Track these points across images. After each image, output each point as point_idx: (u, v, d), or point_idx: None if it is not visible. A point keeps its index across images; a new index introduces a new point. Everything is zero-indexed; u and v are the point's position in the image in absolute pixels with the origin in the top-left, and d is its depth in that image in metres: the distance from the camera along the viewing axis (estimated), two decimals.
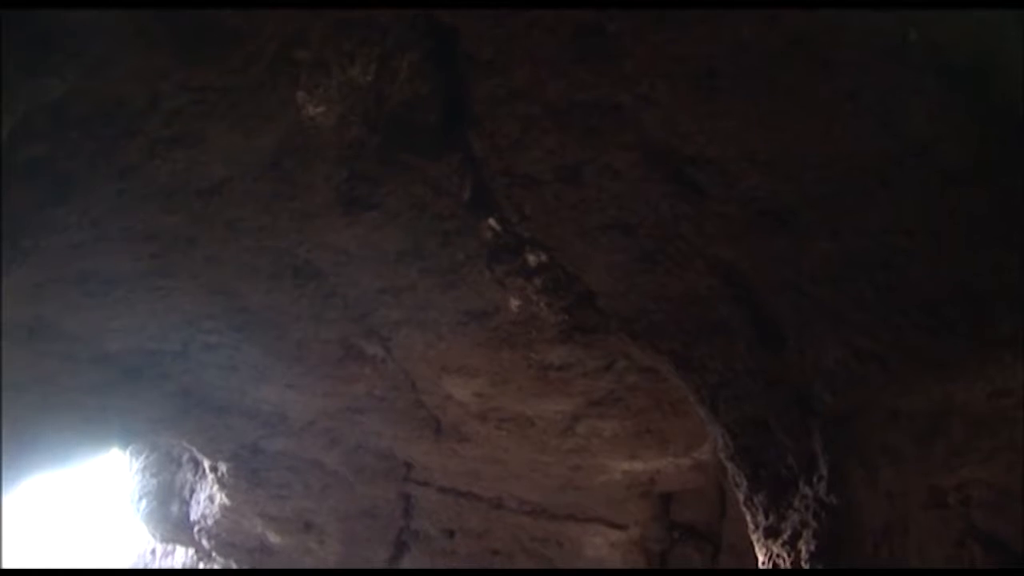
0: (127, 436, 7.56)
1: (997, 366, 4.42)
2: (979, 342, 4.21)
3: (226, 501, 8.30)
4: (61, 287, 4.63)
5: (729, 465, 4.78)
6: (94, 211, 3.80)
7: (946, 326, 4.11)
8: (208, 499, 8.54)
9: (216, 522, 8.63)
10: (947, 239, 3.72)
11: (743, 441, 4.66)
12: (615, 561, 8.52)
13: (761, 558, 4.68)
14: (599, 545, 8.52)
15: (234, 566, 9.36)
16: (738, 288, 4.28)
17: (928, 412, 4.72)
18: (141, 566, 11.00)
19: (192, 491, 8.76)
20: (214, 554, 9.16)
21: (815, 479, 4.46)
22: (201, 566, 9.85)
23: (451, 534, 8.67)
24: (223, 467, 7.88)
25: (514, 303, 4.84)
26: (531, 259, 4.40)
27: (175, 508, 8.87)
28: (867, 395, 4.44)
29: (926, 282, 3.94)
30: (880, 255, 3.86)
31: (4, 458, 6.23)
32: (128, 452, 8.81)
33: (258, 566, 9.19)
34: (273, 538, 8.71)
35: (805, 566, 4.44)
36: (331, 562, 8.98)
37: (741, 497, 4.76)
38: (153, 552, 10.88)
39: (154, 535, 9.55)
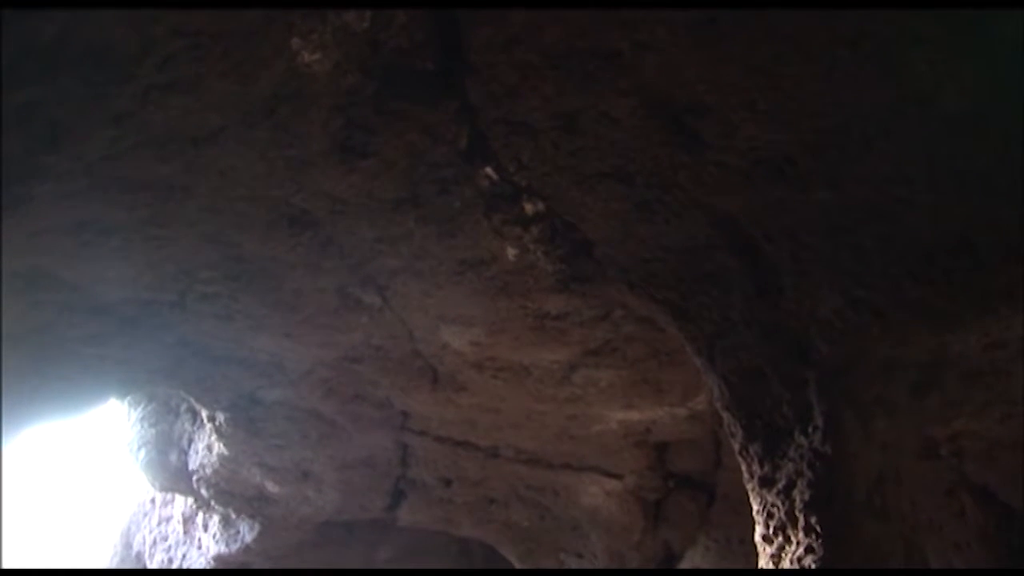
0: (125, 386, 7.58)
1: (993, 318, 4.43)
2: (976, 294, 4.22)
3: (224, 450, 8.35)
4: (56, 237, 4.61)
5: (725, 415, 4.80)
6: (87, 158, 3.77)
7: (943, 278, 4.11)
8: (206, 448, 8.59)
9: (214, 471, 8.68)
10: (947, 190, 3.71)
11: (739, 391, 4.68)
12: (611, 509, 8.60)
13: (755, 507, 4.72)
14: (595, 494, 8.59)
15: (232, 515, 9.44)
16: (736, 238, 4.27)
17: (923, 364, 4.74)
18: (141, 515, 11.10)
19: (190, 441, 8.81)
20: (213, 503, 9.24)
21: (810, 429, 4.49)
22: (200, 515, 9.93)
23: (448, 482, 8.74)
24: (221, 417, 7.92)
25: (511, 252, 4.82)
26: (528, 208, 4.39)
27: (173, 457, 8.92)
28: (863, 346, 4.45)
29: (925, 233, 3.93)
30: (879, 206, 3.85)
31: (3, 408, 6.24)
32: (126, 402, 8.85)
33: (257, 515, 9.27)
34: (271, 487, 8.77)
35: (799, 515, 4.47)
36: (328, 511, 9.06)
37: (736, 446, 4.79)
38: (153, 501, 10.99)
39: (153, 484, 9.63)
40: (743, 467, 4.79)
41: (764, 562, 4.67)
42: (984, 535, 7.23)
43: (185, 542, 10.49)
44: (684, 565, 8.68)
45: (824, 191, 3.82)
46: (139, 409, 8.89)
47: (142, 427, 8.94)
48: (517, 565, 9.48)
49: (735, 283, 4.45)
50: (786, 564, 4.52)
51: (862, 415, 4.51)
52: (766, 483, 4.65)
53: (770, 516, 4.62)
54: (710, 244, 4.34)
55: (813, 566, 4.41)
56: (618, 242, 4.49)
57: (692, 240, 4.33)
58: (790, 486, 4.54)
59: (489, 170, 4.19)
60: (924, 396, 4.86)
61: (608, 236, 4.50)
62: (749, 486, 4.76)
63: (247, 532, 9.52)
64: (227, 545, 9.69)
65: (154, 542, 10.89)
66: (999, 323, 4.50)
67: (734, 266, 4.40)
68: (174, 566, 10.53)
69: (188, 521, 10.34)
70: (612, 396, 6.97)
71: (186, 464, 8.89)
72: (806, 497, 4.47)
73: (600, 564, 9.02)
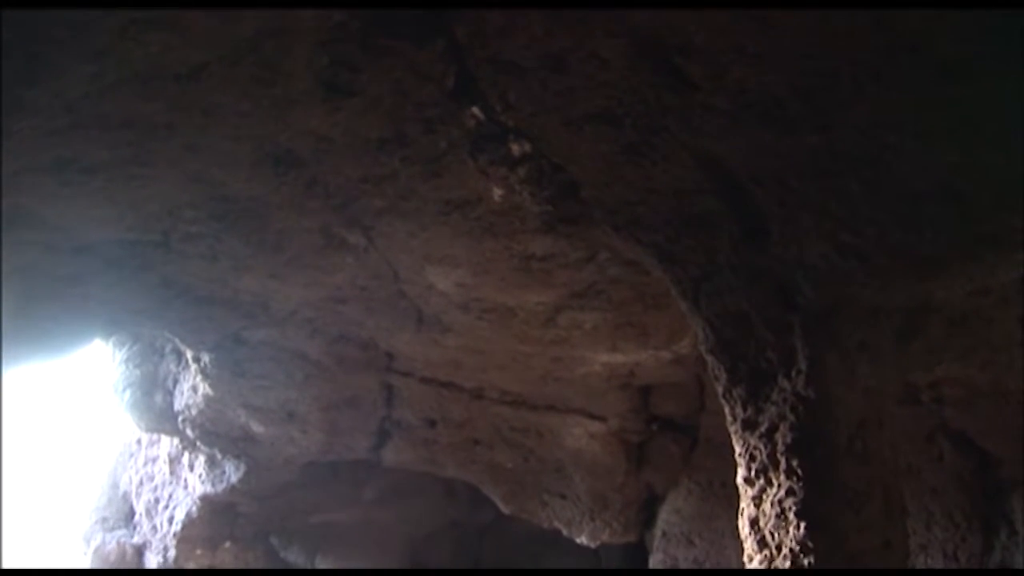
0: (110, 327, 7.56)
1: (978, 265, 4.45)
2: (962, 241, 4.24)
3: (209, 391, 8.36)
4: (37, 176, 4.55)
5: (709, 358, 4.82)
6: (68, 95, 3.71)
7: (930, 224, 4.12)
8: (191, 389, 8.59)
9: (200, 412, 8.70)
10: (936, 136, 3.69)
11: (724, 334, 4.70)
12: (594, 451, 8.68)
13: (738, 450, 4.76)
14: (579, 436, 8.66)
15: (218, 455, 9.48)
16: (723, 181, 4.26)
17: (907, 310, 4.77)
18: (127, 456, 11.15)
19: (175, 381, 8.81)
20: (198, 443, 9.28)
21: (794, 373, 4.52)
22: (186, 455, 9.98)
23: (432, 423, 8.79)
24: (205, 357, 7.91)
25: (497, 193, 4.80)
26: (515, 148, 4.36)
27: (159, 398, 8.93)
28: (849, 291, 4.47)
29: (912, 179, 3.93)
30: (868, 151, 3.83)
31: None
32: (111, 343, 8.83)
33: (242, 455, 9.32)
34: (256, 427, 8.80)
35: (781, 458, 4.52)
36: (314, 451, 9.10)
37: (720, 390, 4.82)
38: (139, 442, 11.04)
39: (139, 425, 9.65)
40: (726, 410, 4.82)
41: (745, 504, 4.72)
42: (961, 480, 7.35)
43: (171, 482, 10.55)
44: (666, 507, 8.79)
45: (813, 135, 3.80)
46: (124, 350, 8.87)
47: (127, 368, 8.93)
48: (501, 505, 9.57)
49: (722, 227, 4.45)
50: (767, 506, 4.58)
51: (846, 360, 4.54)
52: (749, 426, 4.68)
53: (752, 459, 4.67)
54: (697, 187, 4.32)
55: (794, 508, 4.46)
56: (605, 184, 4.47)
57: (679, 183, 4.32)
58: (773, 429, 4.58)
59: (476, 110, 4.15)
60: (908, 342, 4.90)
61: (595, 178, 4.47)
62: (732, 429, 4.80)
63: (232, 472, 9.58)
64: (213, 485, 9.75)
65: (140, 482, 10.96)
66: (983, 270, 4.53)
67: (721, 210, 4.39)
68: (160, 506, 10.60)
69: (174, 461, 10.39)
70: (597, 339, 6.99)
71: (171, 405, 8.90)
72: (788, 440, 4.51)
73: (583, 505, 9.11)
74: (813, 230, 4.27)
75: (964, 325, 5.92)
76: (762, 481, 4.61)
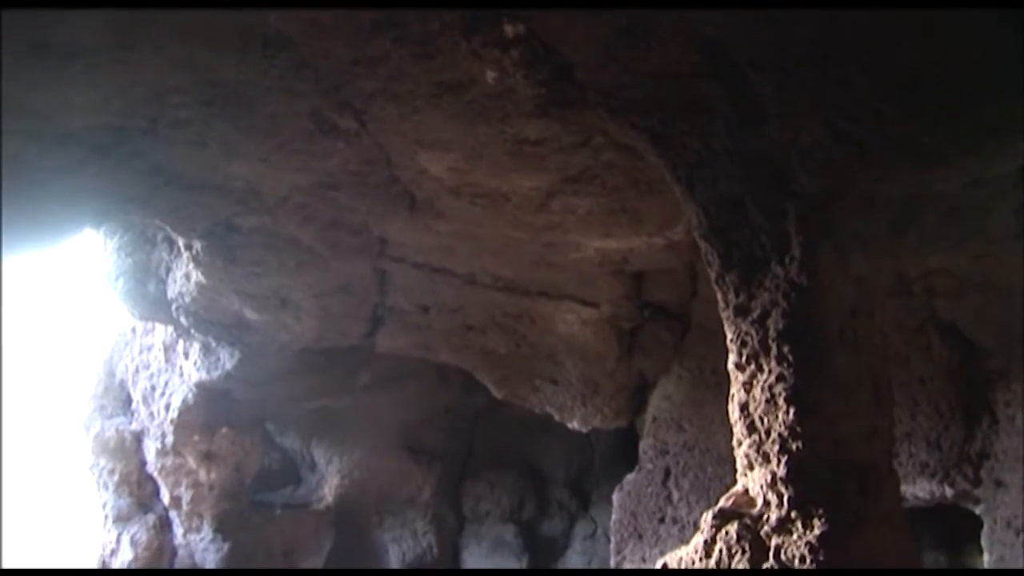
0: (99, 216, 7.50)
1: (976, 155, 4.42)
2: (960, 130, 4.21)
3: (202, 279, 8.35)
4: (17, 60, 4.45)
5: (703, 244, 4.81)
6: None
7: (928, 112, 4.08)
8: (184, 277, 8.59)
9: (193, 300, 8.71)
10: (938, 23, 3.62)
11: (718, 220, 4.67)
12: (586, 337, 8.74)
13: (729, 335, 4.79)
14: (571, 322, 8.71)
15: (213, 343, 9.54)
16: (721, 66, 4.18)
17: (903, 199, 4.75)
18: (122, 345, 11.22)
19: (168, 270, 8.79)
20: (192, 331, 9.31)
21: (787, 260, 4.52)
22: (180, 343, 10.03)
23: (425, 309, 8.82)
24: (197, 245, 7.88)
25: (490, 75, 4.71)
26: (508, 30, 4.25)
27: (152, 287, 8.93)
28: (845, 179, 4.44)
29: (913, 67, 3.88)
30: (869, 37, 3.76)
31: None
32: (102, 232, 8.78)
33: (236, 342, 9.36)
34: (250, 314, 8.82)
35: (772, 344, 4.55)
36: (308, 338, 9.15)
37: (713, 275, 4.82)
38: (133, 331, 11.09)
39: (133, 314, 9.67)
40: (719, 296, 4.84)
41: (735, 389, 4.77)
42: (947, 371, 7.45)
43: (167, 370, 10.64)
44: (657, 393, 8.90)
45: (813, 20, 3.73)
46: (115, 239, 8.82)
47: (118, 257, 8.90)
48: (493, 391, 9.68)
49: (718, 112, 4.38)
50: (757, 392, 4.63)
51: (840, 248, 4.53)
52: (741, 312, 4.70)
53: (743, 344, 4.70)
54: (694, 71, 4.25)
55: (784, 393, 4.51)
56: (599, 66, 4.39)
57: (676, 67, 4.24)
58: (765, 315, 4.60)
59: None
60: (902, 232, 4.89)
61: (589, 61, 4.39)
62: (724, 315, 4.82)
63: (227, 359, 9.64)
64: (208, 372, 9.83)
65: (136, 370, 11.05)
66: (981, 161, 4.49)
67: (718, 94, 4.32)
68: (156, 393, 10.72)
69: (169, 349, 10.46)
70: (590, 224, 6.97)
71: (164, 293, 8.90)
72: (780, 327, 4.54)
73: (575, 391, 9.22)
74: (811, 117, 4.21)
75: (959, 216, 5.91)
76: (753, 367, 4.66)
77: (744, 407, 4.70)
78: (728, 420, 4.88)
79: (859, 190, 4.50)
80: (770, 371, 4.57)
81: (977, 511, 7.34)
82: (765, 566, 4.38)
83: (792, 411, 4.47)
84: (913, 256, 6.46)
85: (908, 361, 7.41)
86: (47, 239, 7.09)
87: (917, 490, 7.40)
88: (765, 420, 4.58)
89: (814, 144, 4.30)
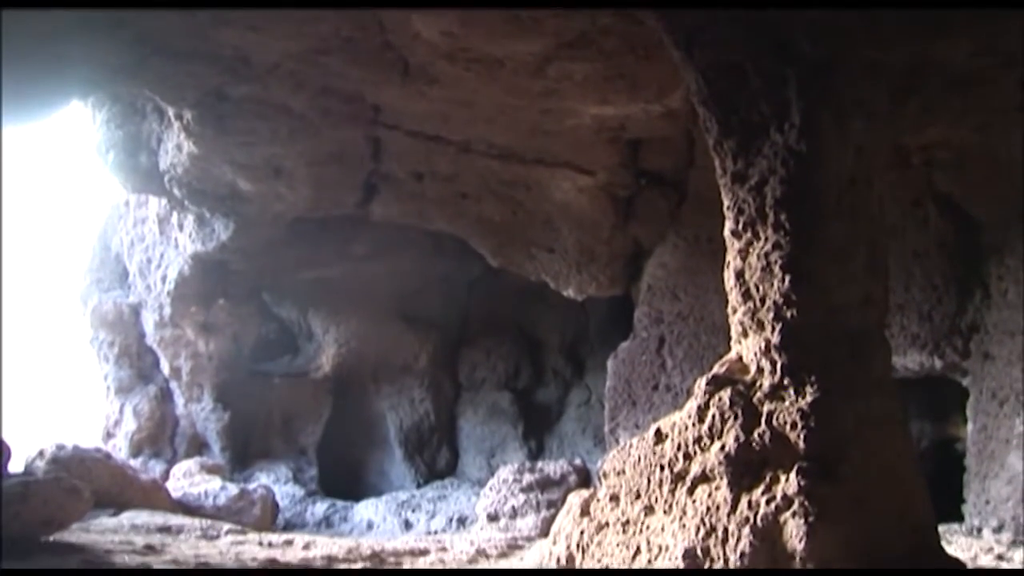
0: (87, 87, 7.36)
1: (984, 23, 4.31)
2: None
3: (194, 149, 8.26)
4: None
5: (701, 110, 4.74)
6: None
7: None
8: (175, 148, 8.49)
9: (185, 171, 8.63)
10: None
11: (717, 86, 4.59)
12: (582, 205, 8.72)
13: (726, 203, 4.76)
14: (567, 189, 8.67)
15: (207, 214, 9.50)
16: None
17: (906, 68, 4.67)
18: (116, 218, 11.19)
19: (159, 141, 8.69)
20: (186, 203, 9.27)
21: (786, 127, 4.46)
22: (174, 215, 10.00)
23: (420, 177, 8.76)
24: (188, 115, 7.77)
25: None
26: None
27: (143, 159, 8.84)
28: (847, 46, 4.35)
29: None
30: None
31: None
32: (90, 104, 8.63)
33: (230, 213, 9.33)
34: (243, 184, 8.77)
35: (769, 212, 4.52)
36: (301, 207, 9.12)
37: (711, 142, 4.76)
38: (127, 204, 11.06)
39: (125, 186, 9.61)
40: (716, 163, 4.79)
41: (731, 256, 4.77)
42: (943, 243, 7.46)
43: (162, 242, 10.64)
44: (652, 261, 8.92)
45: None
46: (104, 111, 8.68)
47: (108, 129, 8.77)
48: (489, 259, 9.70)
49: None
50: (753, 259, 4.62)
51: (840, 116, 4.46)
52: (738, 179, 4.66)
53: (740, 212, 4.67)
54: None
55: (779, 262, 4.51)
56: None
57: None
58: (762, 183, 4.56)
59: None
60: (903, 101, 4.82)
61: None
62: (721, 182, 4.78)
63: (222, 230, 9.62)
64: (203, 244, 9.82)
65: (131, 243, 11.04)
66: (990, 28, 4.39)
67: None
68: (152, 266, 10.74)
69: (163, 221, 10.44)
70: (586, 90, 6.88)
71: (156, 165, 8.82)
72: (777, 194, 4.50)
73: (570, 258, 9.24)
74: None
75: (963, 86, 5.82)
76: (749, 234, 4.64)
77: (740, 275, 4.70)
78: (722, 289, 4.89)
79: (862, 57, 4.42)
80: (766, 239, 4.55)
81: (964, 382, 7.45)
82: (757, 432, 4.45)
83: (787, 279, 4.47)
84: (914, 126, 6.38)
85: (904, 234, 7.41)
86: (34, 112, 6.97)
87: (907, 361, 7.50)
88: (760, 288, 4.59)
89: (817, 10, 4.20)
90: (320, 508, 10.48)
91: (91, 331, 11.33)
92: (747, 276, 4.66)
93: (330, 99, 7.42)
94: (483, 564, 6.30)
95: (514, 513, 8.38)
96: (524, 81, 6.73)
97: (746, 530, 4.27)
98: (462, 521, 9.69)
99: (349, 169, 8.66)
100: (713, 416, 4.60)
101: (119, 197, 11.11)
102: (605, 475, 5.14)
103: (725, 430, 4.54)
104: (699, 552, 4.38)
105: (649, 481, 4.81)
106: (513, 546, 6.99)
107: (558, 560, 5.07)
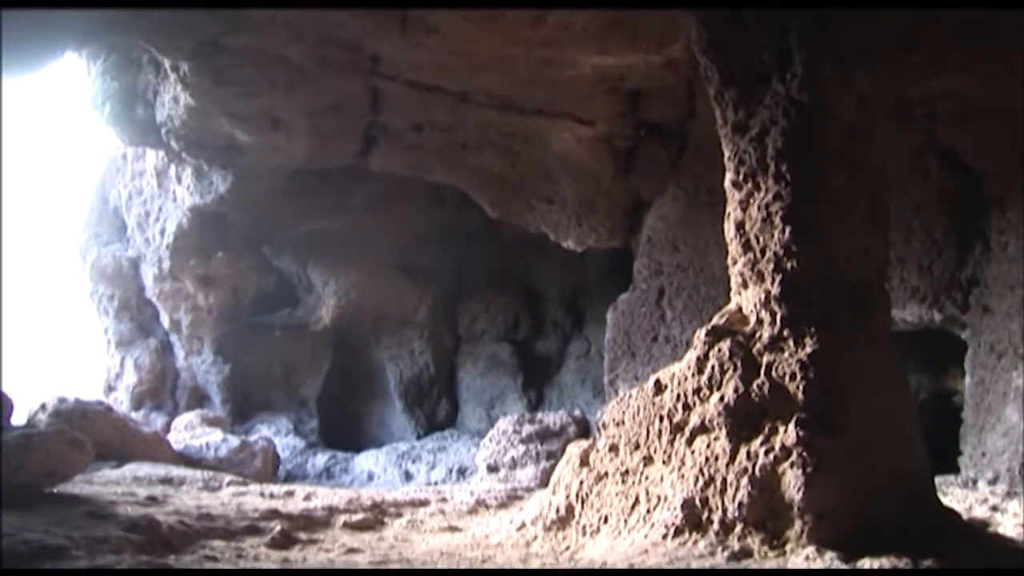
0: (81, 38, 7.25)
1: None
2: None
3: (191, 101, 8.20)
4: None
5: (702, 59, 4.70)
6: None
7: None
8: (172, 100, 8.42)
9: (182, 123, 8.57)
10: None
11: (718, 34, 4.55)
12: (581, 156, 8.67)
13: (727, 153, 4.74)
14: (566, 140, 8.62)
15: (205, 167, 9.45)
16: None
17: (911, 17, 4.61)
18: (114, 171, 11.13)
19: (155, 93, 8.60)
20: (184, 155, 9.21)
21: (788, 76, 4.43)
22: (172, 168, 9.94)
23: (419, 128, 8.70)
24: (184, 67, 7.70)
25: None
26: None
27: (140, 111, 8.75)
28: None
29: None
30: None
31: None
32: (84, 56, 8.53)
33: (229, 165, 9.29)
34: (241, 136, 8.71)
35: (770, 163, 4.51)
36: (300, 159, 9.08)
37: (712, 92, 4.73)
38: (124, 157, 11.00)
39: (122, 139, 9.53)
40: (717, 113, 4.76)
41: (732, 208, 4.75)
42: (944, 196, 7.44)
43: (160, 195, 10.60)
44: (652, 213, 8.89)
45: None
46: (99, 63, 8.57)
47: (104, 81, 8.67)
48: (488, 210, 9.67)
49: None
50: (753, 210, 4.61)
51: (842, 66, 4.43)
52: (739, 129, 4.64)
53: (741, 162, 4.66)
54: None
55: (780, 213, 4.50)
56: None
57: None
58: (763, 133, 4.54)
59: None
60: (907, 50, 4.77)
61: None
62: (722, 132, 4.76)
63: (220, 183, 9.58)
64: (201, 196, 9.79)
65: (129, 196, 11.00)
66: None
67: None
68: (151, 219, 10.71)
69: (161, 174, 10.38)
70: (586, 40, 6.82)
71: (153, 117, 8.74)
72: (779, 145, 4.48)
73: (570, 210, 9.21)
74: None
75: (968, 35, 5.75)
76: (750, 185, 4.63)
77: (740, 226, 4.69)
78: (723, 240, 4.88)
79: (865, 5, 4.37)
80: (767, 189, 4.54)
81: (963, 336, 7.46)
82: (756, 383, 4.46)
83: (788, 230, 4.47)
84: (917, 78, 6.31)
85: (905, 187, 7.38)
86: (28, 64, 6.88)
87: (907, 314, 7.50)
88: (760, 239, 4.58)
89: None
90: (321, 459, 10.54)
91: (91, 285, 11.32)
92: (747, 227, 4.65)
93: (328, 49, 7.35)
94: (483, 514, 6.33)
95: (514, 464, 8.43)
96: (523, 30, 6.67)
97: (744, 480, 4.30)
98: (462, 472, 9.75)
99: (348, 120, 8.60)
100: (712, 367, 4.62)
101: (116, 150, 11.04)
102: (604, 426, 5.16)
103: (724, 381, 4.56)
104: (698, 502, 4.42)
105: (648, 432, 4.83)
106: (513, 496, 7.03)
107: (557, 510, 5.10)
